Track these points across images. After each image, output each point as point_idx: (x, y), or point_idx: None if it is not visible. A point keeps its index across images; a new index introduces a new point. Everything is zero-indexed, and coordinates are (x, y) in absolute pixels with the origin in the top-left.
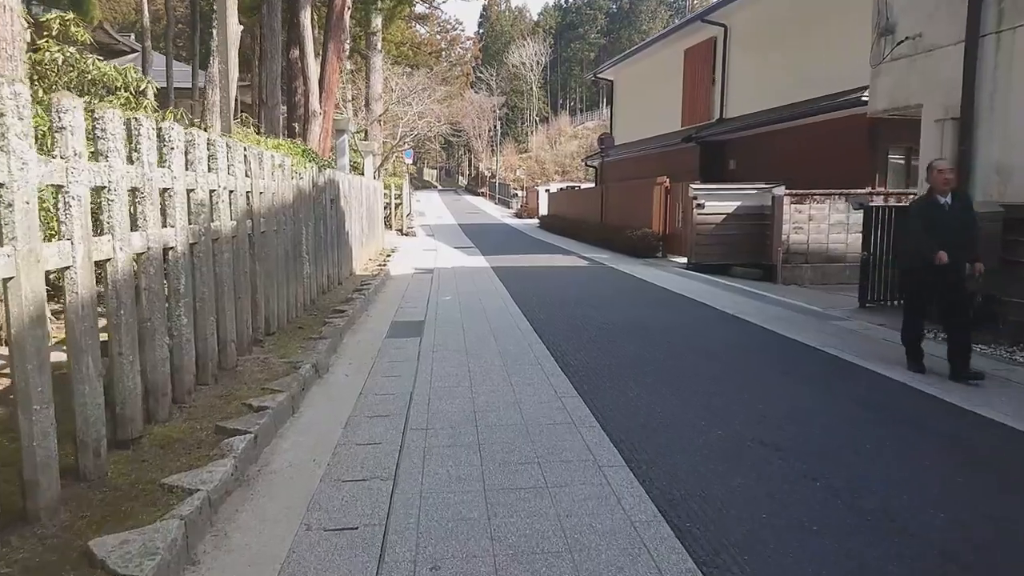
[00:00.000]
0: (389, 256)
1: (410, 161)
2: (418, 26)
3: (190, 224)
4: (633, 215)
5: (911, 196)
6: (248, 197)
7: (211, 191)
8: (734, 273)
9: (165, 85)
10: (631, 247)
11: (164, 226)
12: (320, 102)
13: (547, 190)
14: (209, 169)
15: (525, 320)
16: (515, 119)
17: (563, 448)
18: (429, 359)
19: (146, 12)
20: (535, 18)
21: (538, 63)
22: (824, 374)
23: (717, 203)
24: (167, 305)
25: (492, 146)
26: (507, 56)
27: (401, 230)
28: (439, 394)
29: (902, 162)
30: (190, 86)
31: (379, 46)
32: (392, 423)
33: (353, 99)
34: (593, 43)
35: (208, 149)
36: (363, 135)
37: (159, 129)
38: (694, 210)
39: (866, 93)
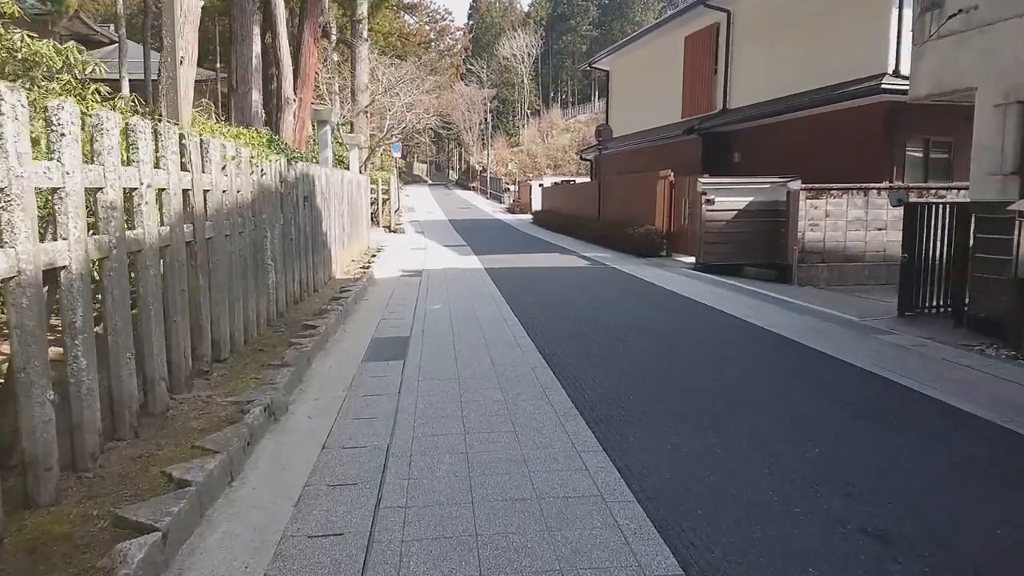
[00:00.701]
0: (374, 256)
1: (398, 155)
2: (406, 16)
3: (95, 234)
4: (634, 211)
5: (955, 191)
6: (187, 196)
7: (129, 189)
8: (746, 274)
9: (142, 77)
10: (633, 245)
11: (51, 238)
12: (296, 88)
13: (541, 184)
14: (127, 162)
15: (525, 335)
16: (506, 112)
17: (592, 544)
18: (413, 392)
19: (120, 1)
20: (526, 9)
21: (529, 55)
22: (904, 414)
23: (728, 198)
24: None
25: (483, 140)
26: (497, 48)
27: (389, 227)
28: (423, 447)
29: (920, 155)
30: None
31: (365, 34)
32: (360, 497)
33: (340, 91)
34: (585, 35)
35: (126, 137)
36: (349, 127)
37: (45, 110)
38: (703, 206)
39: (885, 80)
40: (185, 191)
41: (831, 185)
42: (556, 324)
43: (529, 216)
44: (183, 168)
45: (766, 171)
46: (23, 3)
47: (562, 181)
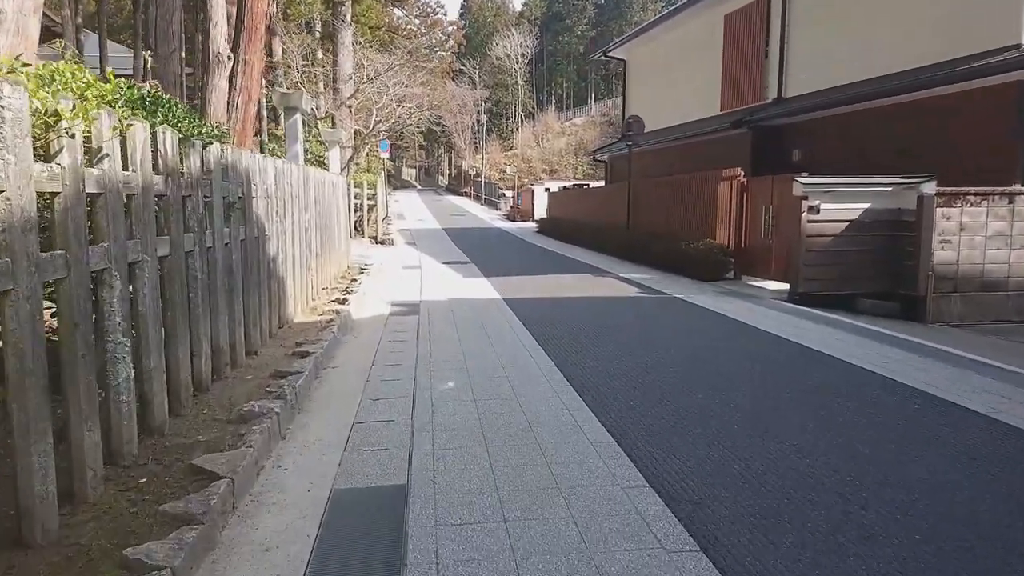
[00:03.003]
0: (355, 280)
1: (386, 154)
2: (395, 8)
3: None
4: (683, 221)
5: None
6: None
7: None
8: (860, 308)
9: (97, 67)
10: (685, 265)
11: None
12: (237, 43)
13: (546, 189)
14: None
15: (635, 470)
16: (499, 115)
17: None
18: None
19: None
20: (519, 8)
21: (523, 55)
22: None
23: (836, 205)
24: None
25: (475, 143)
26: (490, 48)
27: (376, 237)
28: None
29: None
30: (131, 71)
31: (348, 18)
32: None
33: (324, 88)
34: (582, 36)
35: None
36: (330, 123)
37: None
38: (803, 215)
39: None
40: None
41: (968, 189)
42: (687, 444)
43: (532, 224)
44: None
45: (836, 173)
46: None
47: (573, 185)
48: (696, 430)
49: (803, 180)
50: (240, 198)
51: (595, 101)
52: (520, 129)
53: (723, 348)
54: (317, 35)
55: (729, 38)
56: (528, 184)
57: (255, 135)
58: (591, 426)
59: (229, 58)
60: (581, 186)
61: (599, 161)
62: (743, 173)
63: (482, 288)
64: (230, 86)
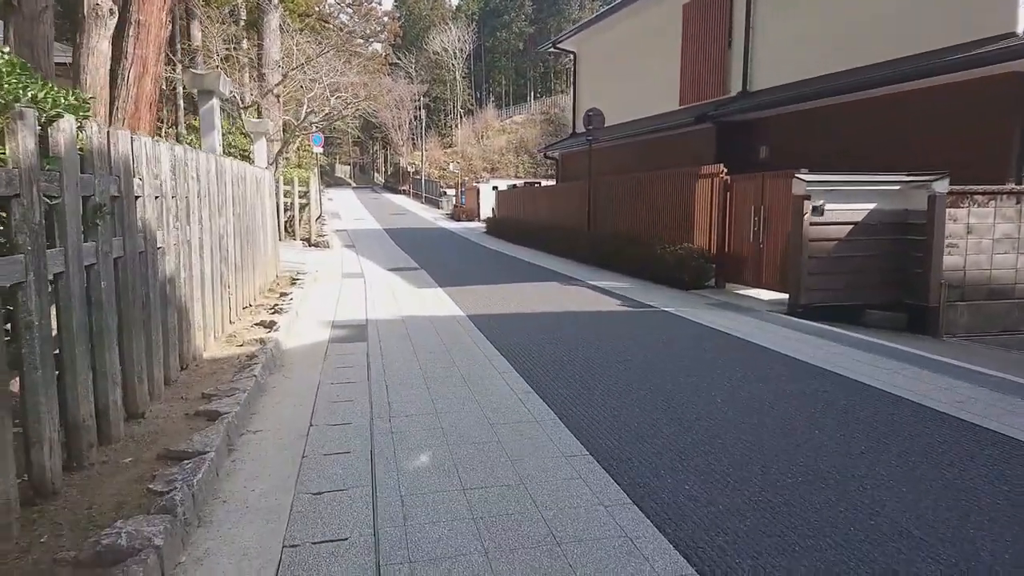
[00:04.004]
0: (286, 295)
1: (319, 148)
2: None
3: None
4: (654, 223)
5: None
6: None
7: None
8: (868, 321)
9: None
10: (660, 271)
11: None
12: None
13: (494, 188)
14: None
15: None
16: (438, 111)
17: None
18: None
19: None
20: (456, 2)
21: (461, 51)
22: None
23: (841, 206)
24: None
25: (414, 139)
26: (427, 42)
27: (309, 239)
28: None
29: None
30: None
31: (274, 0)
32: None
33: (250, 76)
34: (520, 32)
35: None
36: (256, 113)
37: None
38: (806, 217)
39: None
40: None
41: (975, 188)
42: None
43: (479, 224)
44: None
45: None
46: None
47: (524, 183)
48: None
49: (805, 177)
50: (116, 197)
51: (534, 99)
52: (460, 126)
53: (762, 387)
54: (242, 23)
55: (688, 28)
56: (471, 182)
57: (170, 127)
58: (657, 546)
59: (112, 13)
60: (532, 184)
61: (550, 158)
62: (725, 170)
63: (439, 302)
64: (120, 54)
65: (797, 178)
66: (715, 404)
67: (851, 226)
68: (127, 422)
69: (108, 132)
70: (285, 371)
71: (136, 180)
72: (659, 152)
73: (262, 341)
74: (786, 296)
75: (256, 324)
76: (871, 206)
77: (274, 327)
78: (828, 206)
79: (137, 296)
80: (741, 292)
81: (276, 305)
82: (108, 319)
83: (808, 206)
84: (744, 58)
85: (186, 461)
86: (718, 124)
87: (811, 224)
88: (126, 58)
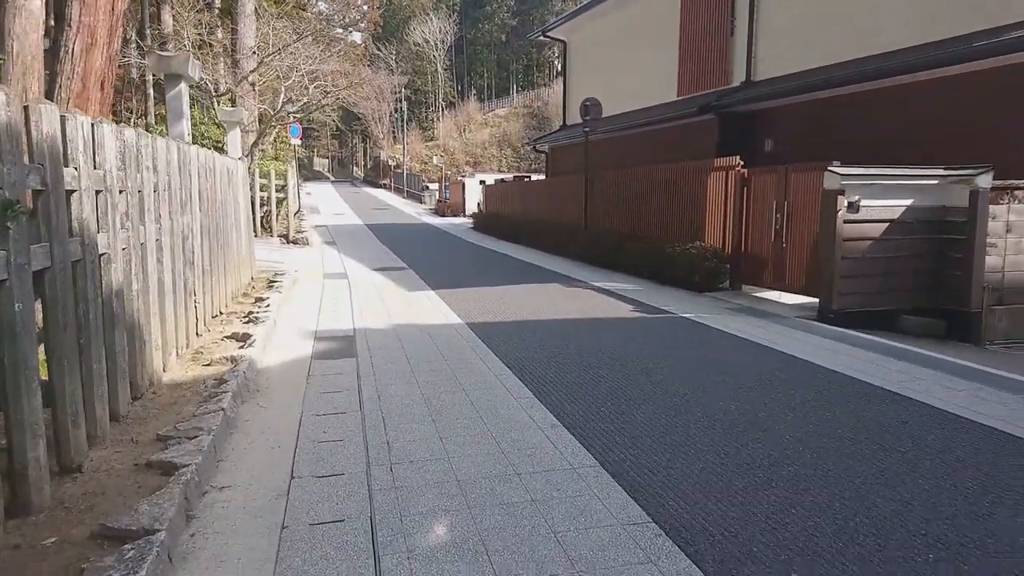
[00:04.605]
0: (262, 300)
1: (297, 140)
2: None
3: None
4: (659, 220)
5: None
6: None
7: None
8: (904, 327)
9: None
10: (669, 272)
11: None
12: None
13: (481, 182)
14: None
15: None
16: (419, 103)
17: None
18: None
19: None
20: None
21: (443, 42)
22: None
23: (877, 202)
24: None
25: (394, 132)
26: (408, 33)
27: (287, 236)
28: None
29: None
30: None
31: None
32: None
33: (225, 65)
34: (502, 24)
35: None
36: (230, 102)
37: None
38: (839, 214)
39: None
40: None
41: (1018, 183)
42: None
43: (465, 220)
44: None
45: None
46: None
47: (514, 177)
48: None
49: (840, 170)
50: (40, 192)
51: (517, 92)
52: (441, 119)
53: (828, 417)
54: (216, 11)
55: (687, 15)
56: (455, 176)
57: (139, 117)
58: None
59: None
60: (522, 178)
61: (539, 151)
62: (742, 163)
63: (433, 307)
64: (58, 20)
65: (830, 171)
66: (784, 442)
67: (886, 224)
68: (59, 478)
69: (26, 107)
70: (261, 397)
71: (70, 170)
72: (655, 145)
73: (234, 360)
74: (812, 300)
75: (227, 337)
76: (907, 202)
77: (248, 341)
78: (864, 202)
79: (69, 318)
80: (760, 295)
81: (251, 313)
82: (25, 352)
83: (842, 202)
84: (748, 46)
85: (127, 546)
86: (721, 115)
87: (845, 222)
88: (70, 26)
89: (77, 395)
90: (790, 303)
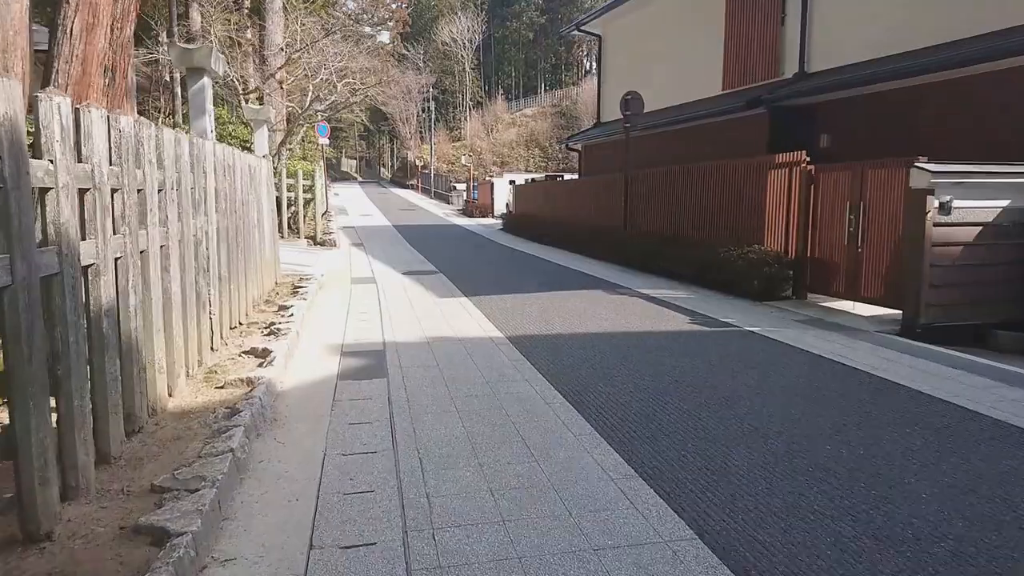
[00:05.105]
0: (285, 309)
1: (325, 139)
2: None
3: None
4: (713, 222)
5: None
6: None
7: None
8: (1000, 345)
9: None
10: (721, 277)
11: None
12: None
13: (511, 182)
14: None
15: None
16: (446, 103)
17: None
18: None
19: None
20: None
21: (470, 41)
22: None
23: (969, 203)
24: None
25: (421, 132)
26: (435, 32)
27: (314, 238)
28: None
29: None
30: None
31: None
32: None
33: (254, 65)
34: (531, 22)
35: None
36: (258, 100)
37: None
38: (929, 216)
39: None
40: None
41: None
42: None
43: (493, 221)
44: None
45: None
46: None
47: (546, 177)
48: None
49: (930, 167)
50: None
51: (545, 91)
52: (468, 119)
53: (963, 466)
54: (245, 10)
55: (733, 4)
56: (483, 176)
57: (167, 116)
58: None
59: None
60: (554, 178)
61: (572, 150)
62: (808, 159)
63: (468, 316)
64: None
65: (918, 168)
66: (923, 504)
67: (979, 227)
68: (22, 550)
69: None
70: (279, 429)
71: (42, 163)
72: (698, 142)
73: (250, 382)
74: (891, 311)
75: (245, 352)
76: (1003, 203)
77: (268, 358)
78: (957, 203)
79: (36, 348)
80: (829, 305)
81: (272, 324)
82: None
83: (932, 203)
84: (801, 35)
85: None
86: (772, 109)
87: (935, 225)
88: (68, 2)
89: (47, 444)
90: (866, 315)
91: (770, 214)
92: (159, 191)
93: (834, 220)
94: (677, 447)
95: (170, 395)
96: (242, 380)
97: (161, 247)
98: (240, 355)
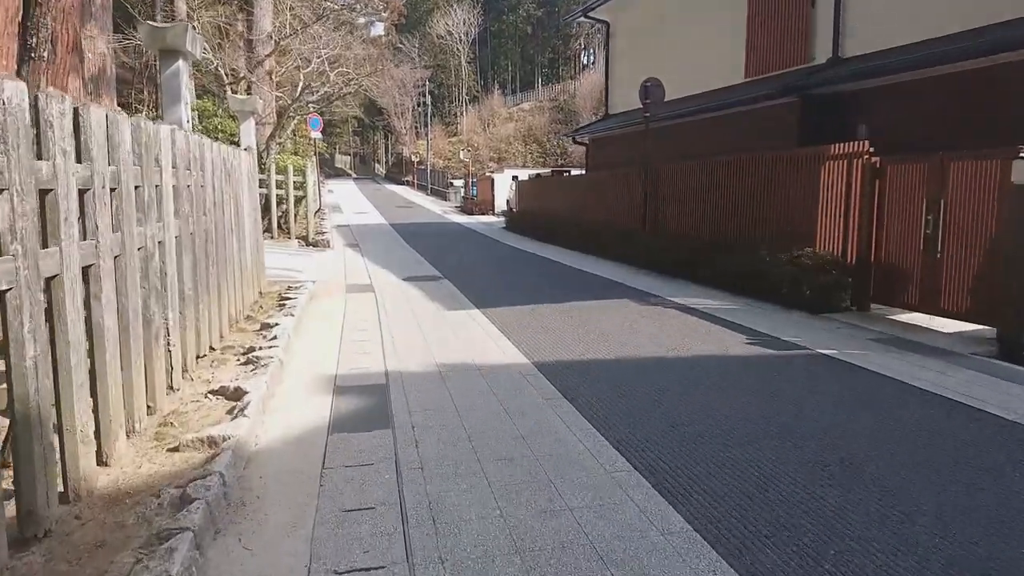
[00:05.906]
0: (268, 328)
1: (317, 133)
2: None
3: None
4: (753, 221)
5: None
6: None
7: None
8: None
9: None
10: (761, 283)
11: None
12: None
13: (514, 177)
14: None
15: None
16: (442, 97)
17: None
18: None
19: None
20: None
21: (467, 34)
22: None
23: None
24: None
25: (417, 128)
26: (431, 25)
27: (306, 238)
28: None
29: None
30: None
31: None
32: None
33: (246, 60)
34: (528, 15)
35: None
36: (245, 90)
37: None
38: None
39: None
40: None
41: None
42: None
43: (495, 219)
44: None
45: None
46: None
47: (552, 172)
48: None
49: None
50: None
51: (542, 86)
52: (465, 114)
53: None
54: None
55: None
56: (482, 172)
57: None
58: None
59: None
60: (560, 173)
61: (579, 143)
62: (872, 149)
63: (483, 334)
64: None
65: (1022, 160)
66: None
67: None
68: None
69: None
70: (246, 521)
71: None
72: (719, 134)
73: (213, 442)
74: (978, 328)
75: (213, 392)
76: None
77: (241, 401)
78: None
79: None
80: (897, 318)
81: (251, 349)
82: None
83: None
84: (835, 18)
85: None
86: (804, 97)
87: None
88: None
89: None
90: (948, 331)
91: (823, 213)
92: (83, 191)
93: (905, 220)
94: (811, 548)
95: (106, 463)
96: (203, 441)
97: (86, 268)
98: (207, 395)
